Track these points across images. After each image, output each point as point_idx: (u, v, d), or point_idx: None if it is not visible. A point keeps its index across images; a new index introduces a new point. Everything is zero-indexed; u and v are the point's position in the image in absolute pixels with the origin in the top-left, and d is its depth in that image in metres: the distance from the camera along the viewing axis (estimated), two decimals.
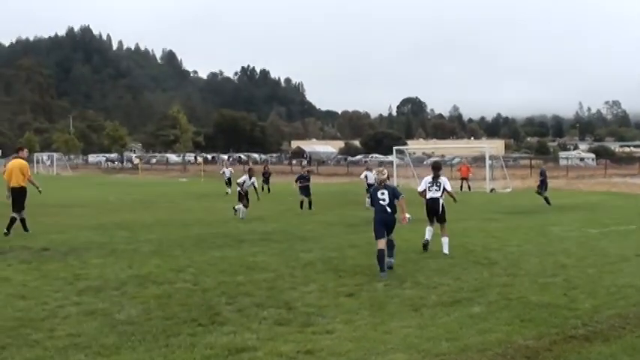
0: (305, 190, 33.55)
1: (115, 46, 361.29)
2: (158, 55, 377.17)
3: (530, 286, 13.54)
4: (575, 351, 9.24)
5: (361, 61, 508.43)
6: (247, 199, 29.00)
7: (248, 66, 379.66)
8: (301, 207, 32.71)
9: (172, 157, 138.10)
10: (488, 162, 56.70)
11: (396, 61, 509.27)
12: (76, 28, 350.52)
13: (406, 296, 12.65)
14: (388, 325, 10.52)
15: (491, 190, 51.02)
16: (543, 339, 9.76)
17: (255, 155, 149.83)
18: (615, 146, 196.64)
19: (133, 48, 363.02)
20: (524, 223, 26.46)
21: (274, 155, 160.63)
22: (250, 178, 29.44)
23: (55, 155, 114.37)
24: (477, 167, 68.58)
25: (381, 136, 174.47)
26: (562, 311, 11.39)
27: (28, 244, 19.90)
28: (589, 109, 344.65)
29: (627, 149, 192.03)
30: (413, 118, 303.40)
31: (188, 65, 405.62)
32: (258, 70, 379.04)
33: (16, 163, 22.92)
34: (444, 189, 19.07)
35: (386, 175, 16.68)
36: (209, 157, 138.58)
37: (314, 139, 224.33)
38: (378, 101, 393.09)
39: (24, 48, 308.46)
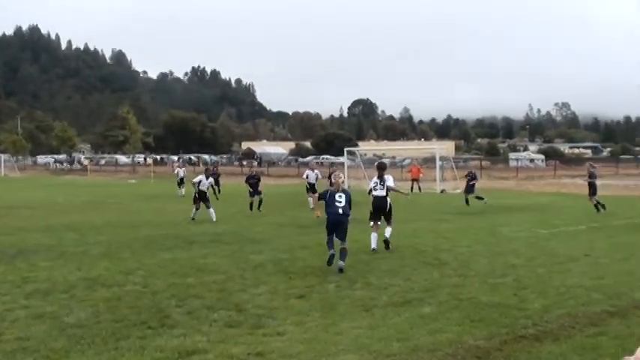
0: (254, 190, 33.43)
1: (63, 46, 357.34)
2: (107, 55, 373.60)
3: (481, 287, 13.64)
4: (525, 350, 9.31)
5: (312, 62, 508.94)
6: (207, 199, 28.81)
7: (198, 66, 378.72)
8: (251, 208, 32.62)
9: (122, 159, 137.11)
10: (438, 163, 57.01)
11: (347, 62, 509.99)
12: (24, 27, 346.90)
13: (357, 297, 12.67)
14: (339, 326, 10.52)
15: (442, 191, 51.29)
16: (494, 339, 9.82)
17: (206, 156, 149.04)
18: (565, 147, 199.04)
19: (82, 48, 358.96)
20: (475, 223, 26.64)
21: (225, 156, 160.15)
22: (207, 178, 29.28)
23: (3, 156, 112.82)
24: (427, 168, 68.90)
25: (332, 137, 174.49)
26: (512, 311, 11.48)
27: None
28: (539, 110, 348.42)
29: (576, 150, 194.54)
30: (364, 120, 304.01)
31: (138, 65, 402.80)
32: (208, 70, 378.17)
33: None
34: (388, 188, 19.57)
35: (342, 179, 17.54)
36: (158, 157, 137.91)
37: (265, 140, 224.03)
38: (329, 102, 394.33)
39: None
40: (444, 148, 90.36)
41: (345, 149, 64.29)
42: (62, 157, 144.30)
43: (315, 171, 37.17)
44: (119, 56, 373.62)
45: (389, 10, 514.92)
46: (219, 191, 46.50)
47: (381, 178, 19.77)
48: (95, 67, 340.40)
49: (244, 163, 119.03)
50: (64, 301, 12.39)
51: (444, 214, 31.31)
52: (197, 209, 28.33)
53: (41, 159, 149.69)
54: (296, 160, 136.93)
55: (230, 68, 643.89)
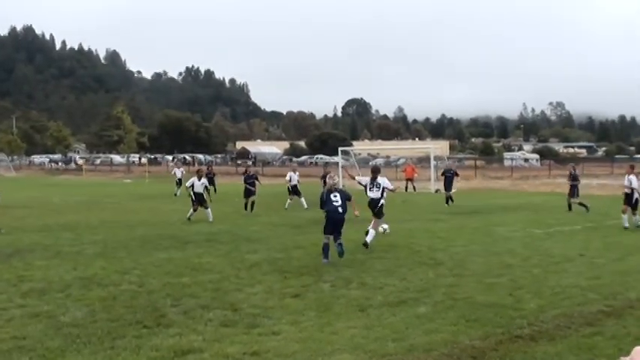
0: (249, 190, 33.38)
1: (58, 46, 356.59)
2: (102, 55, 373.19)
3: (476, 287, 13.64)
4: (521, 350, 9.32)
5: (306, 62, 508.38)
6: (204, 200, 28.74)
7: (192, 66, 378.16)
8: (245, 208, 32.61)
9: (116, 158, 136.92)
10: (433, 163, 57.04)
11: (341, 62, 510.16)
12: (19, 28, 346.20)
13: (352, 297, 12.67)
14: (334, 325, 10.53)
15: (436, 191, 51.18)
16: (489, 339, 9.83)
17: (200, 156, 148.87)
18: (559, 147, 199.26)
19: (76, 48, 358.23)
20: (470, 223, 26.66)
21: (219, 156, 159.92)
22: (199, 179, 29.17)
23: None
24: (421, 168, 68.98)
25: (327, 136, 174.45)
26: (508, 311, 11.48)
27: None
28: (533, 110, 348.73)
29: (571, 150, 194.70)
30: (358, 119, 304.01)
31: (132, 65, 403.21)
32: (202, 70, 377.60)
33: None
34: (384, 189, 20.38)
35: (336, 180, 18.38)
36: (152, 157, 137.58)
37: (259, 140, 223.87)
38: (323, 102, 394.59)
39: None
40: (438, 147, 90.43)
41: (340, 149, 64.30)
42: (57, 156, 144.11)
43: (297, 173, 37.28)
44: (113, 56, 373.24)
45: (383, 10, 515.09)
46: (215, 191, 46.57)
47: (374, 180, 20.46)
48: (89, 67, 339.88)
49: (239, 162, 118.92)
50: (60, 300, 12.38)
51: (439, 213, 31.31)
52: (195, 211, 28.26)
53: (38, 159, 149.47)
54: (290, 160, 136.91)
55: (224, 68, 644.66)
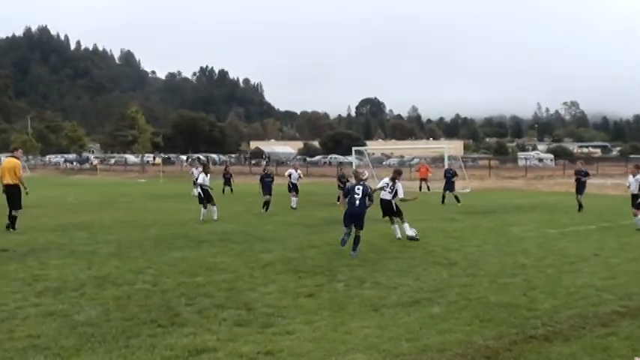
0: (268, 189, 33.38)
1: (72, 46, 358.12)
2: (116, 55, 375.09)
3: (490, 287, 13.61)
4: (535, 351, 9.29)
5: (320, 62, 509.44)
6: (211, 197, 28.73)
7: (207, 66, 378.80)
8: (263, 207, 32.58)
9: (131, 158, 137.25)
10: (447, 162, 56.89)
11: (355, 61, 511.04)
12: (34, 28, 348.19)
13: (366, 297, 12.65)
14: (348, 325, 10.52)
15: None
16: (503, 339, 9.80)
17: (214, 156, 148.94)
18: (574, 147, 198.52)
19: (91, 48, 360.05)
20: (484, 223, 26.60)
21: (233, 156, 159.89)
22: (207, 175, 29.14)
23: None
24: (435, 168, 68.86)
25: (340, 136, 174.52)
26: (522, 311, 11.45)
27: None
28: (547, 109, 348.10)
29: (585, 150, 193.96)
30: (372, 119, 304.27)
31: (146, 65, 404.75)
32: (216, 70, 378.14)
33: (9, 162, 24.91)
34: (396, 194, 21.20)
35: (365, 176, 19.32)
36: (167, 156, 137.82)
37: (273, 140, 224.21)
38: (337, 102, 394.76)
39: None
40: (452, 147, 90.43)
41: (353, 148, 64.28)
42: (72, 156, 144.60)
43: (298, 171, 37.40)
44: (128, 56, 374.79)
45: (398, 10, 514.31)
46: (231, 191, 46.74)
47: (394, 181, 21.32)
48: (104, 67, 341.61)
49: (253, 162, 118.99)
50: (75, 299, 12.40)
51: (453, 213, 31.26)
52: (205, 208, 28.31)
53: (54, 158, 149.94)
54: (304, 160, 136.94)
55: (238, 68, 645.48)
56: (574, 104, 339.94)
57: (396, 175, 21.62)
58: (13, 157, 25.38)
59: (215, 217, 28.06)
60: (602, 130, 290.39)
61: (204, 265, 16.36)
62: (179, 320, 10.80)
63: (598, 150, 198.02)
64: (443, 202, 37.91)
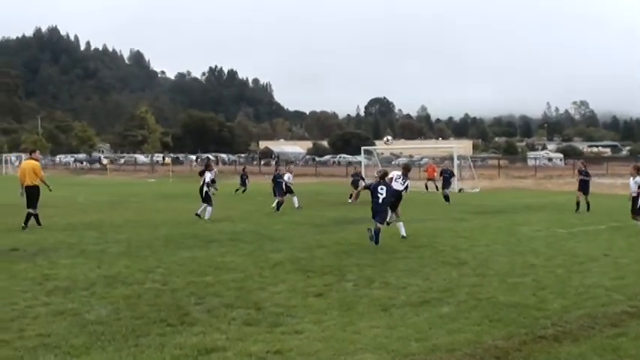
0: (279, 190, 33.38)
1: (82, 47, 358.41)
2: (126, 55, 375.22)
3: (500, 286, 13.59)
4: (544, 351, 9.28)
5: (329, 62, 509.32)
6: (209, 197, 28.82)
7: (216, 66, 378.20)
8: (276, 209, 32.46)
9: (140, 158, 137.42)
10: (456, 162, 56.88)
11: (365, 61, 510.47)
12: (44, 29, 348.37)
13: (375, 296, 12.65)
14: (357, 325, 10.52)
15: (460, 191, 51.18)
16: (512, 339, 9.79)
17: (224, 155, 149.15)
18: (583, 146, 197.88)
19: (100, 48, 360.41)
20: (493, 223, 26.58)
21: (242, 156, 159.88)
22: (210, 172, 29.20)
23: (23, 156, 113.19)
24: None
25: (349, 136, 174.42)
26: (531, 311, 11.43)
27: None
28: (557, 109, 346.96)
29: (595, 149, 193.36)
30: (381, 119, 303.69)
31: (156, 65, 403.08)
32: (225, 70, 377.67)
33: (29, 164, 25.80)
34: (407, 188, 22.49)
35: (390, 175, 21.47)
36: (175, 156, 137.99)
37: (282, 140, 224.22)
38: (346, 102, 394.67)
39: None
40: (461, 147, 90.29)
41: (363, 148, 64.26)
42: (82, 156, 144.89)
43: (292, 173, 37.39)
44: (137, 56, 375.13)
45: (407, 9, 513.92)
46: (243, 191, 46.93)
47: (405, 175, 22.68)
48: (114, 67, 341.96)
49: (262, 162, 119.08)
50: (85, 298, 12.45)
51: (462, 213, 31.22)
52: (210, 206, 28.39)
53: (65, 158, 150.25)
54: (313, 160, 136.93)
55: (247, 68, 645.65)
56: (584, 104, 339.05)
57: (406, 171, 22.75)
58: (32, 158, 26.20)
59: (206, 217, 28.15)
60: (611, 129, 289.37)
61: (214, 264, 16.38)
62: (188, 319, 10.83)
63: (608, 149, 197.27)
64: (447, 201, 38.18)
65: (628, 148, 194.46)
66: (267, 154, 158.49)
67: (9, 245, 19.65)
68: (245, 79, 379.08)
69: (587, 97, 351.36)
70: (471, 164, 61.81)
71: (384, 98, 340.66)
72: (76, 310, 11.43)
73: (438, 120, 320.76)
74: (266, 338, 9.77)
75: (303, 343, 9.55)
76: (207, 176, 29.02)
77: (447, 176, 40.08)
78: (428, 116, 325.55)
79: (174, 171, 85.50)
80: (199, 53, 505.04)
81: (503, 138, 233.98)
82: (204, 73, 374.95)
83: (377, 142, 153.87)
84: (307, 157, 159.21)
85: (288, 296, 12.65)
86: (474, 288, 13.41)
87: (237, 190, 47.25)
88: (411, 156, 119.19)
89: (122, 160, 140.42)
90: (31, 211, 24.81)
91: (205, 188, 28.68)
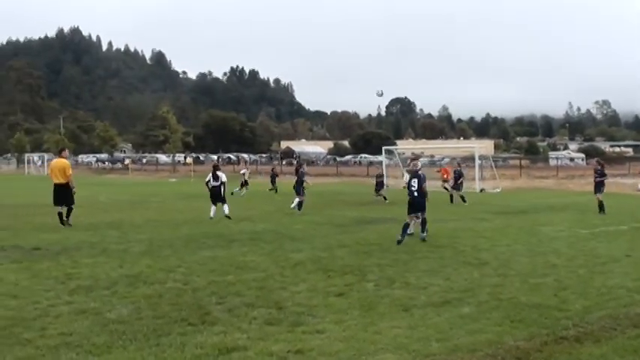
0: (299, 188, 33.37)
1: (104, 47, 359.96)
2: (147, 55, 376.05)
3: (521, 287, 13.55)
4: (565, 352, 9.25)
5: (350, 61, 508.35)
6: (223, 197, 29.10)
7: (237, 66, 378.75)
8: (299, 208, 32.38)
9: (162, 158, 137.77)
10: (477, 162, 56.68)
11: (386, 60, 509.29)
12: (66, 30, 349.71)
13: (396, 296, 12.65)
14: (378, 325, 10.52)
15: (481, 191, 51.10)
16: (534, 340, 9.76)
17: (245, 155, 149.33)
18: (605, 146, 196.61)
19: (122, 49, 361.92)
20: (514, 223, 26.50)
21: (264, 155, 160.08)
22: (216, 174, 29.25)
23: (46, 156, 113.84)
24: (466, 167, 68.62)
25: (370, 136, 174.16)
26: (553, 312, 11.40)
27: (19, 244, 19.89)
28: (579, 108, 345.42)
29: (617, 149, 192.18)
30: (402, 118, 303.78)
31: (177, 66, 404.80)
32: (247, 70, 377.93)
33: (59, 162, 26.58)
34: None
35: (419, 167, 21.91)
36: (196, 156, 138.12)
37: (303, 140, 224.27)
38: (367, 101, 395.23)
39: (14, 49, 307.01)
40: (483, 146, 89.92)
41: (384, 148, 64.15)
42: (104, 156, 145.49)
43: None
44: (159, 57, 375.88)
45: (429, 8, 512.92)
46: (275, 191, 47.08)
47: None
48: (135, 67, 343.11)
49: (284, 162, 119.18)
50: (107, 297, 12.50)
51: (483, 213, 31.14)
52: (214, 206, 28.91)
53: (87, 158, 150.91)
54: (334, 160, 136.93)
55: (269, 68, 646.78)
56: (605, 103, 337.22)
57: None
58: (61, 157, 26.92)
59: (211, 215, 28.45)
60: (634, 129, 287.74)
61: (235, 263, 16.42)
62: (209, 319, 10.85)
63: (630, 149, 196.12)
64: (451, 201, 38.30)
65: None
66: (289, 154, 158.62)
67: (32, 244, 19.76)
68: (266, 79, 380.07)
69: (609, 96, 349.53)
70: (493, 164, 61.57)
71: (406, 98, 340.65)
72: (97, 309, 11.48)
73: (459, 120, 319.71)
74: (287, 338, 9.78)
75: (324, 342, 9.56)
76: (223, 176, 29.23)
77: (455, 177, 39.93)
78: (449, 116, 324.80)
79: (195, 171, 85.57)
80: (221, 53, 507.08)
81: (524, 138, 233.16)
82: (225, 73, 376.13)
83: (398, 141, 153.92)
84: (328, 157, 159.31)
85: (309, 296, 12.66)
86: (495, 288, 13.38)
87: (270, 189, 47.42)
88: (432, 156, 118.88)
89: (144, 160, 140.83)
90: (70, 207, 25.71)
91: (222, 188, 28.82)
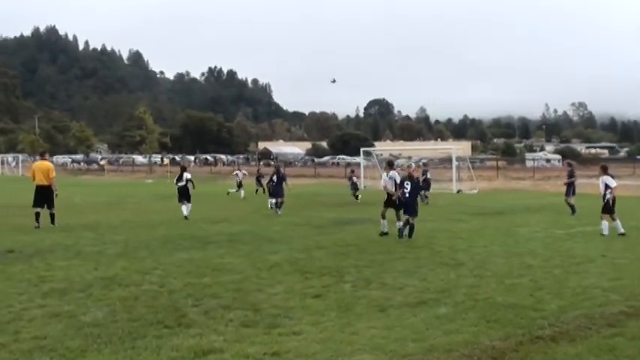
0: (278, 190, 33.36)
1: (81, 47, 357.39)
2: (125, 55, 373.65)
3: (497, 287, 13.61)
4: (541, 351, 9.29)
5: (328, 63, 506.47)
6: (189, 196, 29.86)
7: (215, 67, 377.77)
8: (270, 207, 32.61)
9: (139, 158, 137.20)
10: (455, 163, 56.87)
11: (364, 62, 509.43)
12: (42, 28, 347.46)
13: (373, 297, 12.66)
14: (355, 326, 10.53)
15: (458, 192, 51.26)
16: (510, 339, 9.80)
17: (223, 156, 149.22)
18: (581, 148, 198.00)
19: (99, 48, 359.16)
20: (491, 224, 26.60)
21: (241, 156, 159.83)
22: (182, 175, 29.79)
23: (21, 156, 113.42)
24: (443, 169, 68.79)
25: (348, 137, 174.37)
26: (528, 312, 11.45)
27: None
28: (555, 110, 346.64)
29: (593, 151, 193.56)
30: (380, 120, 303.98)
31: (155, 66, 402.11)
32: (225, 70, 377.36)
33: (43, 164, 26.81)
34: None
35: (412, 169, 23.57)
36: (172, 157, 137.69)
37: (281, 140, 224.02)
38: (345, 102, 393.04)
39: None
40: (460, 148, 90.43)
41: (362, 149, 64.32)
42: (80, 157, 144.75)
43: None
44: (136, 57, 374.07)
45: (405, 10, 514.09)
46: (264, 191, 47.04)
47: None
48: (112, 67, 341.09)
49: (261, 163, 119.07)
50: (81, 300, 12.43)
51: (460, 214, 31.23)
52: (183, 205, 29.44)
53: (62, 159, 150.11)
54: (312, 161, 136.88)
55: (247, 68, 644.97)
56: (582, 105, 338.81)
57: (390, 167, 23.88)
58: (44, 159, 27.48)
59: (184, 213, 29.09)
60: (609, 130, 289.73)
61: (211, 265, 16.39)
62: (186, 321, 10.82)
63: (606, 151, 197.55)
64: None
65: (626, 149, 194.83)
66: (266, 154, 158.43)
67: (5, 247, 19.62)
68: (244, 79, 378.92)
69: (585, 98, 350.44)
70: (470, 165, 61.75)
71: (384, 99, 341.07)
72: (72, 313, 11.41)
73: (437, 121, 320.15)
74: (264, 340, 9.77)
75: (301, 344, 9.55)
76: (187, 175, 30.27)
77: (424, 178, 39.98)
78: (427, 117, 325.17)
79: (172, 172, 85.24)
80: (198, 54, 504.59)
81: (501, 139, 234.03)
82: (203, 74, 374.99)
83: (376, 143, 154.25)
84: (306, 157, 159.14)
85: (286, 297, 12.65)
86: (472, 289, 13.43)
87: (257, 191, 47.34)
88: (409, 157, 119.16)
89: (120, 161, 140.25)
90: (52, 211, 25.94)
91: (189, 186, 29.70)
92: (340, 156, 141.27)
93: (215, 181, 45.40)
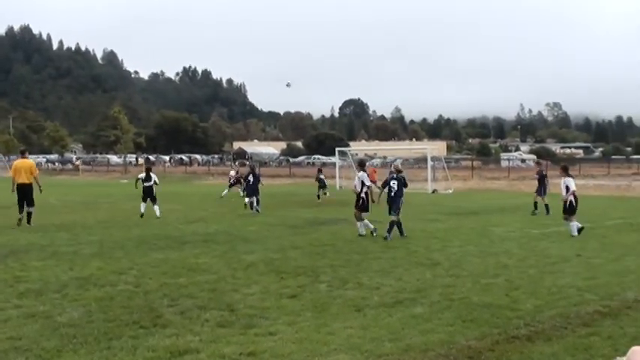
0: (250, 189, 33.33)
1: (55, 46, 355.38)
2: (99, 55, 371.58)
3: (473, 287, 13.64)
4: (517, 351, 9.32)
5: (303, 62, 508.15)
6: (154, 197, 30.09)
7: (189, 66, 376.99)
8: (246, 207, 32.65)
9: (113, 158, 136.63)
10: (430, 163, 56.94)
11: (338, 62, 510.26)
12: (16, 28, 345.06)
13: (349, 297, 12.67)
14: (331, 326, 10.52)
15: (434, 191, 51.34)
16: (486, 339, 9.83)
17: (198, 156, 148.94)
18: (556, 147, 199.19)
19: (73, 48, 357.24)
20: (466, 224, 26.67)
21: (216, 156, 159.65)
22: (149, 175, 30.32)
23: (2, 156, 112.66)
24: (419, 169, 68.89)
25: (324, 137, 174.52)
26: (504, 311, 11.49)
27: None
28: (530, 110, 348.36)
29: (568, 150, 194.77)
30: (355, 120, 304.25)
31: (129, 65, 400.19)
32: (199, 70, 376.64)
33: (25, 162, 26.84)
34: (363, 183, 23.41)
35: (400, 171, 23.30)
36: (147, 157, 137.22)
37: (256, 140, 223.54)
38: (321, 102, 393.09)
39: None
40: (435, 148, 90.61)
41: (337, 149, 64.33)
42: (54, 157, 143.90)
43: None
44: (110, 56, 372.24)
45: (381, 10, 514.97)
46: (244, 190, 46.92)
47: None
48: (87, 67, 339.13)
49: (236, 163, 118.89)
50: (57, 300, 12.37)
51: (435, 214, 31.28)
52: (144, 202, 29.92)
53: (38, 159, 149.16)
54: (287, 160, 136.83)
55: (221, 68, 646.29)
56: (557, 105, 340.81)
57: (361, 168, 24.80)
58: (24, 157, 27.27)
59: (157, 214, 29.27)
60: (584, 131, 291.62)
61: (187, 266, 16.34)
62: (161, 321, 10.78)
63: (580, 151, 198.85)
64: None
65: (600, 149, 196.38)
66: (241, 154, 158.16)
67: None
68: (219, 79, 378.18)
69: (560, 98, 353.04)
70: (445, 165, 61.91)
71: (359, 99, 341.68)
72: (47, 313, 11.35)
73: (412, 121, 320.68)
74: (239, 340, 9.75)
75: (277, 344, 9.54)
76: (154, 177, 30.48)
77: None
78: (402, 117, 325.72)
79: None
80: (173, 53, 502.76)
81: (476, 139, 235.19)
82: (177, 74, 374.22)
83: (351, 143, 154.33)
84: (281, 157, 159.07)
85: (262, 298, 12.63)
86: (447, 288, 13.45)
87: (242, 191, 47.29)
88: (385, 157, 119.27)
89: (95, 161, 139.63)
90: (29, 209, 26.07)
91: (155, 187, 30.13)
92: (315, 156, 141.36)
93: (190, 181, 45.24)
